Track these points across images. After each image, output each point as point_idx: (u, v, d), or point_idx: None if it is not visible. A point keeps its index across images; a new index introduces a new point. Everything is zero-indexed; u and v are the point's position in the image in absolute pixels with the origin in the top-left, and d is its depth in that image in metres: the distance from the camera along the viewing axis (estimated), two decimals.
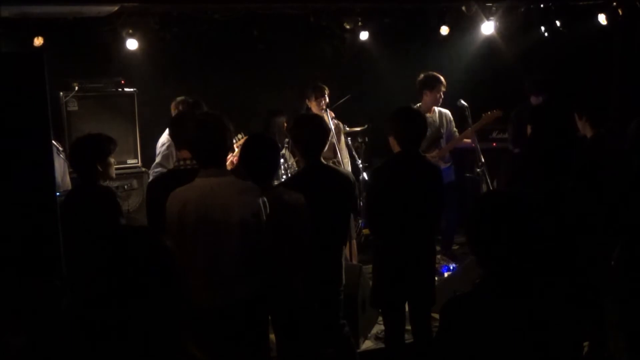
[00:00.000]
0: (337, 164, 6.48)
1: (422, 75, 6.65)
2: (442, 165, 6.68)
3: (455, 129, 6.76)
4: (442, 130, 6.75)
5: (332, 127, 6.49)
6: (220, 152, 3.60)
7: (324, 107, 6.64)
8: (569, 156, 4.27)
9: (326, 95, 6.68)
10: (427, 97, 6.63)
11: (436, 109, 6.71)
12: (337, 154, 6.51)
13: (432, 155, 6.61)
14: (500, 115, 6.58)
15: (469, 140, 6.65)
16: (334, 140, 6.47)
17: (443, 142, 6.75)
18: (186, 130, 3.88)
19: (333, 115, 6.72)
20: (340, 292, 4.34)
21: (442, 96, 6.60)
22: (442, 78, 6.60)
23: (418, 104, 6.68)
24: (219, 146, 3.58)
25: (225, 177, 3.60)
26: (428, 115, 6.67)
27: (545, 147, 4.33)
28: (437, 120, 6.74)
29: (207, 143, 3.57)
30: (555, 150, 4.25)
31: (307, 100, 6.73)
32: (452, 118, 6.79)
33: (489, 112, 6.59)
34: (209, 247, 3.51)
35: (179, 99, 6.14)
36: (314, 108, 6.66)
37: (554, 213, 3.89)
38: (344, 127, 6.92)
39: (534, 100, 7.15)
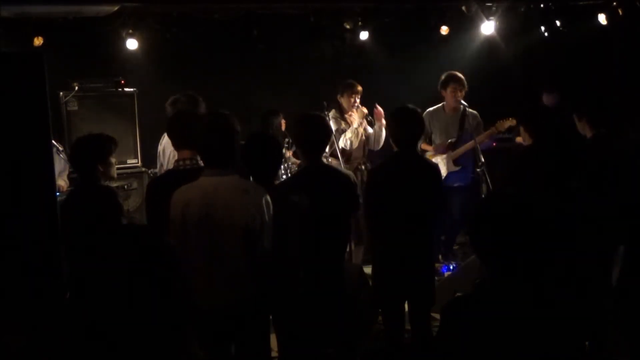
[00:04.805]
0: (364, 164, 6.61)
1: (442, 75, 6.66)
2: (453, 169, 6.67)
3: (482, 131, 6.63)
4: (459, 132, 6.67)
5: (361, 126, 6.56)
6: (226, 153, 3.58)
7: (355, 104, 6.63)
8: (573, 157, 4.26)
9: (358, 93, 6.64)
10: (445, 96, 6.66)
11: (462, 109, 6.61)
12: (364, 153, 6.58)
13: (437, 147, 6.62)
14: (514, 124, 6.46)
15: (485, 141, 6.64)
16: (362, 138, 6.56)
17: (460, 143, 6.69)
18: (189, 129, 3.86)
19: (366, 111, 6.64)
20: (340, 292, 4.34)
21: (460, 95, 6.55)
22: (458, 77, 6.57)
23: (442, 103, 6.72)
24: (225, 147, 3.57)
25: (229, 176, 3.58)
26: (448, 115, 6.69)
27: (548, 148, 4.32)
28: (458, 121, 6.67)
29: (214, 143, 3.56)
30: (558, 151, 4.25)
31: (338, 96, 6.71)
32: (480, 121, 6.69)
33: (502, 120, 6.48)
34: (212, 246, 3.50)
35: (173, 97, 5.73)
36: (345, 104, 6.66)
37: (557, 214, 3.89)
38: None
39: (545, 99, 7.14)
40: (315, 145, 4.26)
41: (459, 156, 6.70)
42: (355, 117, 6.59)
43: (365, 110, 6.61)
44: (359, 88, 6.66)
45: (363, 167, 6.64)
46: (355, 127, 6.56)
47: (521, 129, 4.94)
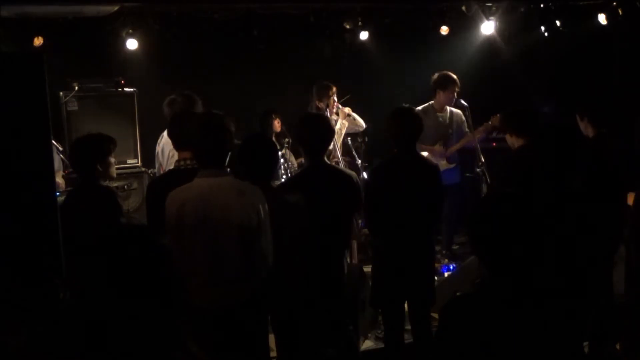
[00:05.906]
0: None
1: (436, 75, 6.71)
2: (447, 166, 6.70)
3: (467, 129, 6.71)
4: (450, 130, 6.77)
5: (344, 127, 6.67)
6: (220, 153, 3.59)
7: (334, 105, 6.69)
8: (573, 157, 4.26)
9: (334, 94, 6.72)
10: (440, 96, 6.70)
11: (448, 108, 6.76)
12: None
13: (433, 150, 6.64)
14: None
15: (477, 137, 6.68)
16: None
17: (452, 141, 6.77)
18: (186, 129, 3.87)
19: (347, 111, 6.71)
20: (341, 292, 4.34)
21: (455, 96, 6.64)
22: (455, 78, 6.65)
23: (431, 102, 6.74)
24: (219, 147, 3.58)
25: (225, 177, 3.59)
26: (439, 114, 6.74)
27: (548, 148, 4.32)
28: (447, 120, 6.79)
29: (208, 143, 3.57)
30: (558, 151, 4.24)
31: (316, 101, 6.75)
32: (464, 119, 6.78)
33: (495, 115, 6.51)
34: (208, 247, 3.51)
35: (170, 97, 5.81)
36: (322, 106, 6.70)
37: (557, 213, 3.89)
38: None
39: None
40: (318, 145, 4.27)
41: (452, 154, 6.76)
42: (339, 119, 6.71)
43: (346, 111, 6.68)
44: (335, 89, 6.76)
45: (341, 163, 6.73)
46: (338, 128, 6.65)
47: (508, 134, 4.92)
